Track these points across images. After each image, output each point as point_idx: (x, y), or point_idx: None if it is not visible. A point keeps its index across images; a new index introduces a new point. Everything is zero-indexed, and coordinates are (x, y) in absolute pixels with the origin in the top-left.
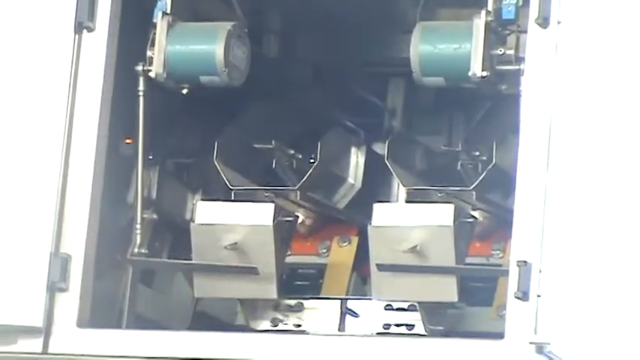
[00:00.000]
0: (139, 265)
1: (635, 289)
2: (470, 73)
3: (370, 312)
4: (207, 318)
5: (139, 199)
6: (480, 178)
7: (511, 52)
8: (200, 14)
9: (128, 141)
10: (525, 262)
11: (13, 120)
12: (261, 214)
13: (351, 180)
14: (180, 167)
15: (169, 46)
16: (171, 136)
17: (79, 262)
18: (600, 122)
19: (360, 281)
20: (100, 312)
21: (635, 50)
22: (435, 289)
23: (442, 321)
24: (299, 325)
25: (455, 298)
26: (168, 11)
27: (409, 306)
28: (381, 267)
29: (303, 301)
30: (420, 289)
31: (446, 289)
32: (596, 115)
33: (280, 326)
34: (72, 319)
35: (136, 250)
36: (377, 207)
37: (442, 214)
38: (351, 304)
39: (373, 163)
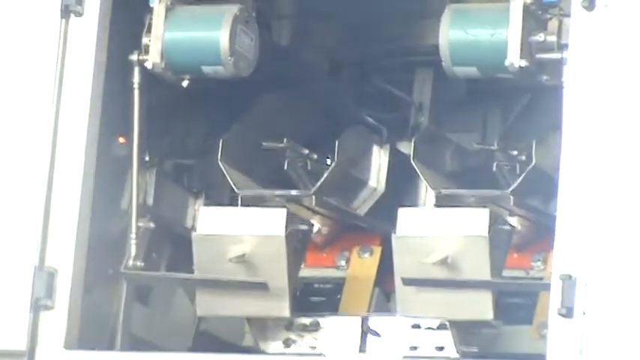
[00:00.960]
0: (134, 280)
1: None
2: (506, 63)
3: (395, 331)
4: (210, 339)
5: (134, 206)
6: (519, 181)
7: (553, 38)
8: None
9: (121, 140)
10: (570, 275)
11: None
12: (271, 222)
13: (372, 183)
14: (180, 169)
15: (168, 33)
16: (170, 135)
17: (66, 277)
18: None
19: (384, 297)
20: (90, 332)
21: None
22: (468, 305)
23: (476, 341)
24: (314, 347)
25: (490, 315)
26: None
27: (439, 325)
28: (406, 281)
29: (320, 320)
30: (450, 306)
31: (480, 306)
32: None
33: (293, 348)
34: (59, 340)
35: (130, 262)
36: (402, 213)
37: (476, 220)
38: (373, 323)
39: (398, 164)
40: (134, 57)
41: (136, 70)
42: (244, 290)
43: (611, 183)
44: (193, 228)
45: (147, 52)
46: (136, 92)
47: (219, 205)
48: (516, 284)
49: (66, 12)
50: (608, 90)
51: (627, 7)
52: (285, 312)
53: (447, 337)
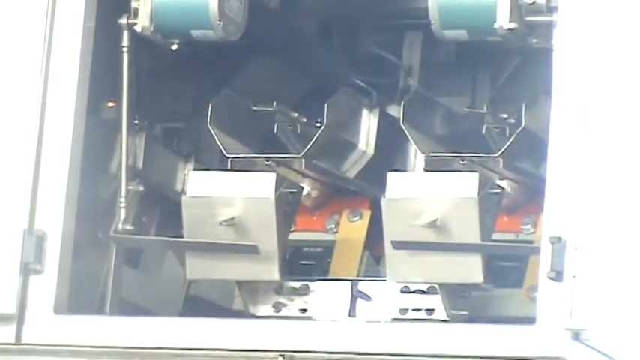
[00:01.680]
0: (124, 243)
1: None
2: (496, 25)
3: (385, 295)
4: (200, 302)
5: (124, 169)
6: (508, 144)
7: (542, 0)
8: None
9: (111, 104)
10: (559, 238)
11: None
12: (261, 185)
13: (362, 146)
14: (169, 133)
15: None
16: (159, 98)
17: (55, 241)
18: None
19: (373, 261)
20: (80, 296)
21: None
22: (458, 268)
23: (466, 305)
24: (304, 310)
25: (480, 278)
26: None
27: (428, 288)
28: (396, 244)
29: (309, 283)
30: (440, 269)
31: (470, 269)
32: (637, 72)
33: (283, 311)
34: (48, 304)
35: (120, 226)
36: (391, 177)
37: (465, 184)
38: (363, 286)
39: (387, 127)
40: (123, 20)
41: (125, 33)
42: (234, 253)
43: (601, 146)
44: (183, 191)
45: (136, 15)
46: (125, 56)
47: (209, 168)
48: (506, 247)
49: None
50: (597, 53)
51: None
52: (275, 275)
53: (436, 300)
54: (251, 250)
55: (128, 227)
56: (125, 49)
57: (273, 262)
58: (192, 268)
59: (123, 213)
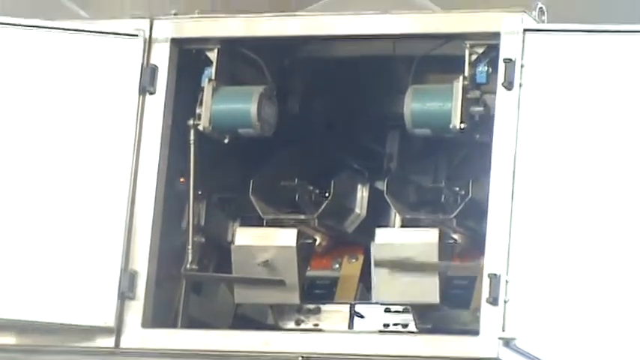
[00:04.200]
0: (191, 278)
1: (578, 295)
2: (451, 126)
3: (373, 314)
4: (244, 319)
5: (191, 226)
6: (459, 209)
7: (483, 109)
8: (238, 80)
9: (182, 180)
10: (495, 274)
11: (92, 164)
12: (286, 237)
13: (357, 210)
14: (223, 200)
15: (214, 105)
16: (216, 176)
17: (144, 276)
18: (555, 163)
19: (365, 290)
20: (160, 315)
21: (578, 107)
22: (423, 293)
23: (430, 321)
24: (317, 325)
25: (437, 299)
26: (213, 77)
27: (404, 309)
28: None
29: (321, 306)
30: (410, 292)
31: (430, 292)
32: (550, 157)
33: (302, 325)
34: (138, 321)
35: (188, 266)
36: (378, 231)
37: (429, 236)
38: (358, 308)
39: (375, 197)
40: (190, 122)
41: (192, 131)
42: (268, 285)
43: (525, 210)
44: (232, 242)
45: (199, 118)
46: (192, 147)
47: (250, 226)
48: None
49: (143, 91)
50: (522, 144)
51: (535, 88)
52: (297, 300)
53: (409, 318)
54: (279, 283)
55: (194, 267)
56: (192, 142)
57: (295, 291)
58: (238, 294)
59: (190, 257)
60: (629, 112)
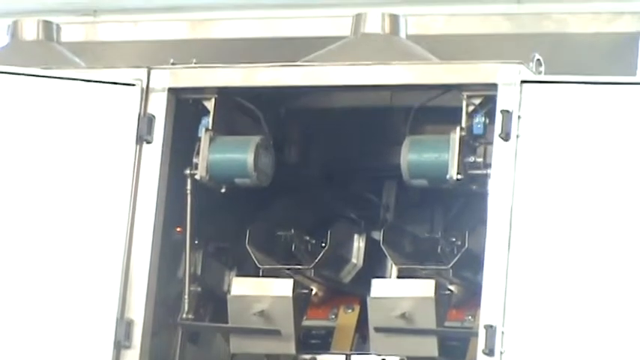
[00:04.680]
0: (187, 328)
1: (573, 348)
2: (447, 177)
3: None
4: None
5: (187, 275)
6: (456, 259)
7: (480, 159)
8: (235, 130)
9: (178, 229)
10: (491, 325)
11: (89, 213)
12: (283, 287)
13: (354, 260)
14: (219, 250)
15: (211, 155)
16: (212, 225)
17: (140, 325)
18: (552, 214)
19: (361, 340)
20: None
21: (575, 158)
22: (420, 346)
23: None
24: None
25: (436, 353)
26: (210, 127)
27: (400, 359)
28: (378, 329)
29: (317, 356)
30: (408, 346)
31: (429, 347)
32: (547, 209)
33: None
34: None
35: (184, 315)
36: (375, 282)
37: (426, 287)
38: (354, 358)
39: (372, 247)
40: (187, 171)
41: (189, 180)
42: (264, 335)
43: (522, 262)
44: (228, 291)
45: (196, 168)
46: (189, 196)
47: (247, 275)
48: (454, 331)
49: (140, 140)
50: (519, 195)
51: (532, 139)
52: (292, 350)
53: None
54: (275, 333)
55: (190, 316)
56: (188, 192)
57: (291, 341)
58: (234, 344)
59: (186, 306)
60: (625, 162)
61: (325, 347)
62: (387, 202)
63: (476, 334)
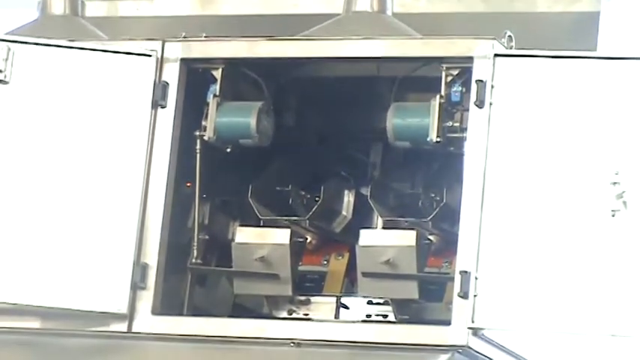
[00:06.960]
0: (196, 271)
1: (541, 291)
2: (428, 139)
3: (357, 305)
4: (242, 308)
5: (196, 225)
6: (435, 213)
7: (457, 124)
8: (239, 96)
9: (188, 184)
10: (466, 271)
11: (109, 170)
12: (281, 236)
13: (344, 213)
14: (224, 202)
15: (218, 118)
16: (219, 181)
17: (154, 269)
18: (521, 173)
19: (350, 284)
20: (168, 304)
21: (542, 124)
22: (403, 289)
23: (407, 312)
24: (307, 314)
25: (416, 296)
26: (217, 94)
27: (384, 301)
28: (365, 274)
29: (310, 297)
30: (392, 290)
31: (410, 290)
32: (517, 168)
33: (294, 315)
34: (148, 308)
35: (193, 260)
36: (363, 232)
37: (408, 237)
38: (344, 300)
39: (360, 201)
40: (197, 133)
41: (198, 141)
42: (264, 278)
43: (494, 216)
44: (233, 239)
45: (205, 130)
46: (198, 155)
47: (249, 225)
48: (433, 277)
49: (155, 105)
50: (491, 156)
51: (503, 106)
52: (289, 292)
53: (389, 309)
54: (274, 277)
55: (199, 261)
56: (198, 151)
57: (288, 283)
58: (237, 286)
59: (195, 252)
60: (586, 126)
61: (318, 290)
62: (374, 162)
63: (452, 279)
